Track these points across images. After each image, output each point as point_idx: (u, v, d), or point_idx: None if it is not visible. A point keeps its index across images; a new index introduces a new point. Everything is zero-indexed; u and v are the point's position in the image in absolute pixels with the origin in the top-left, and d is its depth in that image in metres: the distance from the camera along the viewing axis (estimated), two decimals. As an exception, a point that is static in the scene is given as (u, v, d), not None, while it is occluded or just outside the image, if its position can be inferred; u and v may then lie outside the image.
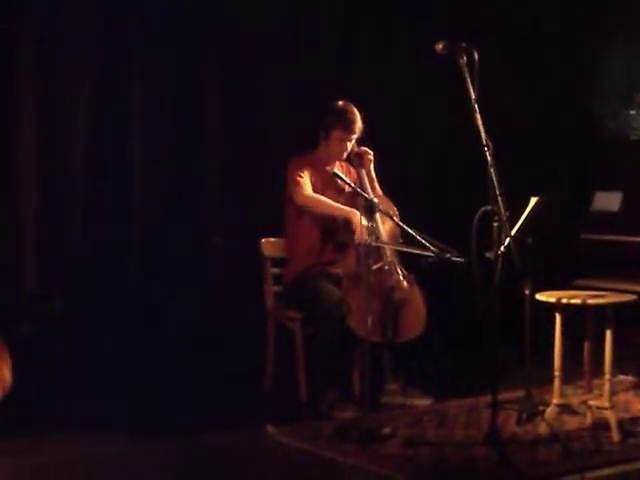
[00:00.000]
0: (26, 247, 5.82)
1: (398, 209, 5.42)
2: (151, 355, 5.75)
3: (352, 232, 5.26)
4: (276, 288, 5.62)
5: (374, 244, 4.88)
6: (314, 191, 5.43)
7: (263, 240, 5.65)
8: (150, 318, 5.91)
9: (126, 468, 4.38)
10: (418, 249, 4.97)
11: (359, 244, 5.18)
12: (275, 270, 5.64)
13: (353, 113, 5.41)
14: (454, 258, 4.81)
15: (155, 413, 5.17)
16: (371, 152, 5.54)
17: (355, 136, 5.45)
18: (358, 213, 5.21)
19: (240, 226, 6.28)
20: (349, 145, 5.47)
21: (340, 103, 5.46)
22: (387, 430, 4.73)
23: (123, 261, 6.08)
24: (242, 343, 5.92)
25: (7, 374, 4.73)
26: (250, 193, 6.31)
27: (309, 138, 5.61)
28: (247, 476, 4.32)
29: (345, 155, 5.52)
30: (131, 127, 6.08)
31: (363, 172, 5.50)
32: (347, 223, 5.29)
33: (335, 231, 5.39)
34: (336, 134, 5.43)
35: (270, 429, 4.87)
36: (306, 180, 5.39)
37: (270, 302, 5.61)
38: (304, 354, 5.38)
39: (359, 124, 5.42)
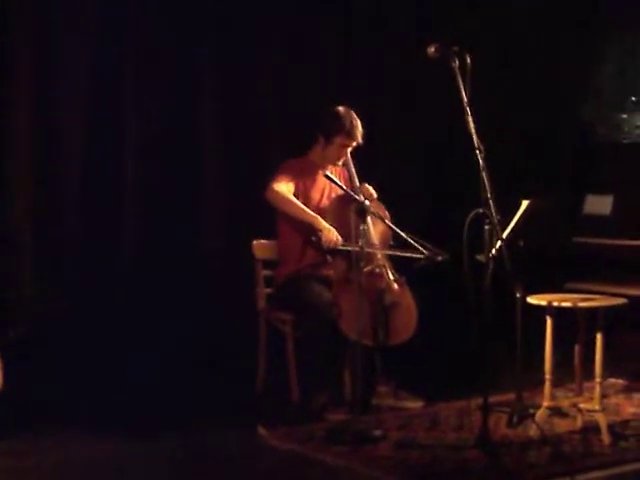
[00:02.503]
0: (23, 249, 5.83)
1: (390, 211, 5.43)
2: (144, 357, 5.74)
3: (319, 237, 5.26)
4: (267, 290, 5.62)
5: (344, 248, 4.98)
6: (301, 195, 5.42)
7: (255, 242, 5.64)
8: (142, 319, 5.91)
9: (119, 470, 4.37)
10: (407, 252, 5.00)
11: (328, 247, 5.20)
12: (266, 272, 5.63)
13: (356, 120, 5.39)
14: (444, 259, 4.85)
15: (147, 414, 5.17)
16: (371, 191, 5.52)
17: (355, 143, 5.43)
18: (320, 219, 5.25)
19: (232, 228, 6.29)
20: (348, 152, 5.46)
21: (342, 109, 5.41)
22: (378, 432, 4.73)
23: (117, 262, 6.09)
24: (234, 345, 5.92)
25: None
26: (242, 195, 6.31)
27: (306, 140, 5.62)
28: (238, 478, 4.31)
29: (341, 162, 5.50)
30: (127, 128, 6.09)
31: (354, 172, 5.49)
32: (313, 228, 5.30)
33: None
34: (338, 140, 5.40)
35: (261, 431, 4.87)
36: (285, 178, 5.38)
37: (261, 304, 5.61)
38: (295, 356, 5.38)
39: (361, 131, 5.40)
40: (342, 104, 5.46)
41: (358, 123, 5.40)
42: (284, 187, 5.36)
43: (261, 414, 5.15)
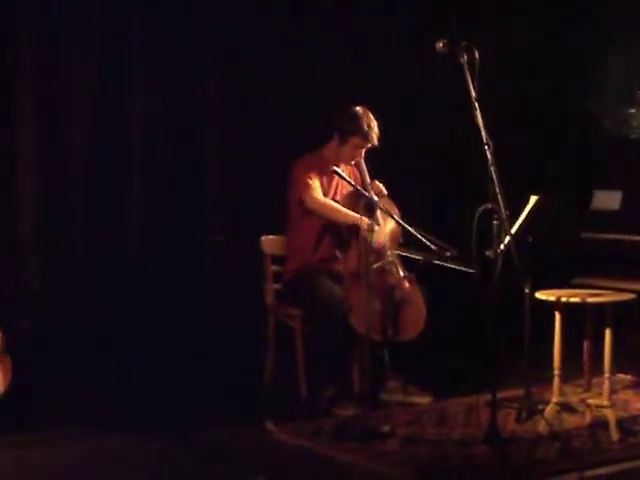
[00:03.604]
0: (27, 244, 5.84)
1: (399, 208, 5.42)
2: (151, 351, 5.75)
3: (357, 234, 5.22)
4: (276, 285, 5.61)
5: (388, 253, 4.96)
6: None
7: (263, 238, 5.64)
8: (150, 315, 5.91)
9: (125, 464, 4.39)
10: (417, 254, 4.99)
11: (377, 248, 5.17)
12: (275, 267, 5.64)
13: (373, 121, 5.34)
14: (454, 257, 4.85)
15: (155, 409, 5.18)
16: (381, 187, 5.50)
17: (370, 145, 5.39)
18: (366, 219, 5.21)
19: (240, 223, 6.29)
20: (362, 152, 5.44)
21: (359, 110, 5.36)
22: (386, 428, 4.74)
23: (123, 257, 6.10)
24: (242, 340, 5.93)
25: (7, 370, 4.73)
26: (250, 190, 6.31)
27: (309, 137, 5.61)
28: (246, 473, 4.31)
29: (354, 162, 5.48)
30: (132, 126, 6.09)
31: (365, 169, 5.47)
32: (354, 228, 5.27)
33: (338, 229, 5.36)
34: (354, 141, 5.36)
35: (269, 426, 4.87)
36: (316, 183, 5.36)
37: (270, 299, 5.61)
38: (304, 351, 5.38)
39: (377, 133, 5.35)
40: (347, 102, 5.44)
41: (375, 125, 5.35)
42: (320, 192, 5.35)
43: (269, 409, 5.16)
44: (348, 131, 5.36)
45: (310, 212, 5.37)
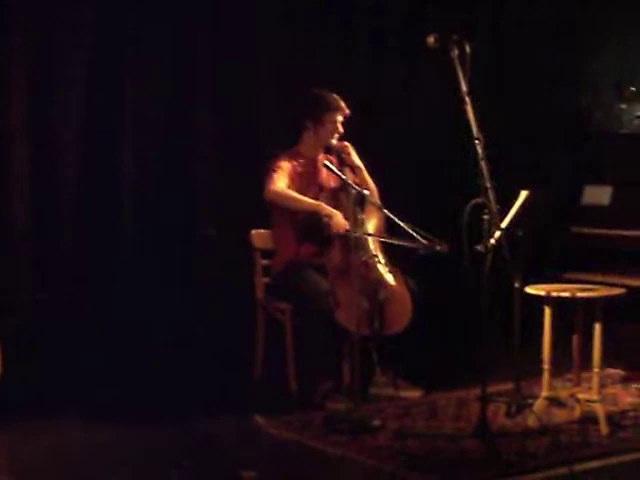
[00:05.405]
0: (20, 242, 5.84)
1: (389, 201, 5.42)
2: (140, 345, 5.75)
3: (327, 224, 5.25)
4: (266, 279, 5.61)
5: (354, 235, 4.90)
6: (296, 189, 5.40)
7: (253, 232, 5.64)
8: (140, 308, 5.91)
9: (116, 458, 4.38)
10: (404, 241, 4.98)
11: (338, 233, 5.17)
12: (265, 262, 5.63)
13: (333, 94, 5.43)
14: (442, 249, 4.85)
15: (145, 403, 5.17)
16: (348, 144, 5.51)
17: (343, 116, 5.42)
18: (324, 204, 5.23)
19: (230, 217, 6.28)
20: (340, 127, 5.45)
21: (316, 90, 5.47)
22: (376, 422, 4.73)
23: (114, 252, 6.09)
24: (232, 334, 5.92)
25: None
26: (240, 184, 6.31)
27: (300, 131, 5.61)
28: (235, 466, 4.31)
29: (336, 137, 5.48)
30: (123, 120, 6.09)
31: (347, 171, 5.46)
32: (315, 215, 5.27)
33: (317, 224, 5.36)
34: (328, 117, 5.41)
35: (259, 420, 4.87)
36: (281, 175, 5.36)
37: (260, 293, 5.61)
38: (293, 345, 5.38)
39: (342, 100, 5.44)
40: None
41: (336, 96, 5.43)
42: (281, 184, 5.35)
43: (259, 403, 5.16)
44: (318, 112, 5.43)
45: (271, 204, 5.37)
